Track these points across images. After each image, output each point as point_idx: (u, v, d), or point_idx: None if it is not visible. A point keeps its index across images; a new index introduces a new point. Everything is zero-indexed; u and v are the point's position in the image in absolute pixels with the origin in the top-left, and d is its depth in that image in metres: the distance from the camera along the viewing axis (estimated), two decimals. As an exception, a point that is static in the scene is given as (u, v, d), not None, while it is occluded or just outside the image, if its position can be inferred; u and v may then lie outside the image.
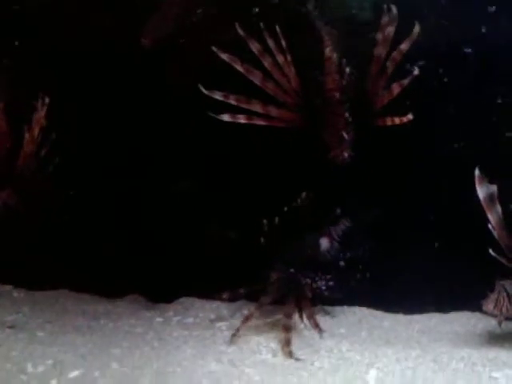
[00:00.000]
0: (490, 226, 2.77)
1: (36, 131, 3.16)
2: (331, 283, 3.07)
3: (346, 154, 2.99)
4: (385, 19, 2.97)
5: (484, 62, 3.20)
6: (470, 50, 3.20)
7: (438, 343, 2.95)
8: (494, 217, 2.79)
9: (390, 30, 2.96)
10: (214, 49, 2.98)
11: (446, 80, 3.22)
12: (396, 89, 2.93)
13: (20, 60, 3.33)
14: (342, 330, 3.09)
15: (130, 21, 3.20)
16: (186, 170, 3.40)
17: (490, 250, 2.71)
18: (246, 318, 2.90)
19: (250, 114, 3.02)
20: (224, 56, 2.99)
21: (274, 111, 3.03)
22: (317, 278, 3.09)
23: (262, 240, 3.06)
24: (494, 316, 2.85)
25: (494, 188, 2.80)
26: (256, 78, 3.01)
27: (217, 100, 3.02)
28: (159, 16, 3.20)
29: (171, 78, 3.29)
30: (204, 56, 3.15)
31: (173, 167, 3.38)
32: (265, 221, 3.05)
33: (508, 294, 2.79)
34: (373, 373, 2.60)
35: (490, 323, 2.96)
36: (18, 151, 3.22)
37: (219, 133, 3.19)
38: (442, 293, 3.34)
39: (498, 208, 2.80)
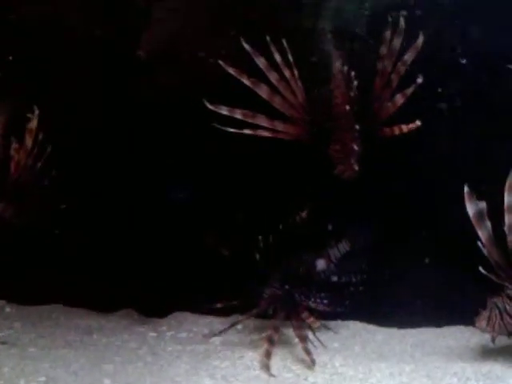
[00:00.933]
0: (479, 242, 2.78)
1: (29, 143, 3.16)
2: (325, 301, 3.07)
3: (353, 170, 2.97)
4: (388, 32, 2.96)
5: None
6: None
7: (431, 357, 2.95)
8: (483, 233, 2.81)
9: (396, 43, 2.94)
10: (220, 62, 2.96)
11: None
12: (400, 99, 2.92)
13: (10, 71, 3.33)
14: (336, 345, 3.08)
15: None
16: (181, 185, 3.40)
17: (480, 268, 2.72)
18: (233, 324, 2.92)
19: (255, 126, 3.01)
20: (230, 70, 2.98)
21: (279, 125, 3.02)
22: (311, 296, 3.09)
23: (258, 256, 3.06)
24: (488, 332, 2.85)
25: (483, 204, 2.81)
26: (263, 92, 3.00)
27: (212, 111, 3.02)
28: (154, 29, 3.22)
29: (164, 88, 3.29)
30: (199, 68, 3.18)
31: (167, 182, 3.38)
32: (260, 237, 3.06)
33: (500, 311, 2.79)
34: (366, 388, 2.60)
35: (484, 337, 2.95)
36: (11, 163, 3.21)
37: (217, 144, 3.21)
38: (436, 307, 3.35)
39: (488, 224, 2.81)
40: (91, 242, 3.45)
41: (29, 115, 3.15)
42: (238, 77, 2.97)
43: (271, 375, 2.69)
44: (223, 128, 2.93)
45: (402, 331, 3.33)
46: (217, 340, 3.07)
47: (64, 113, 3.29)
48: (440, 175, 3.28)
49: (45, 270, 3.39)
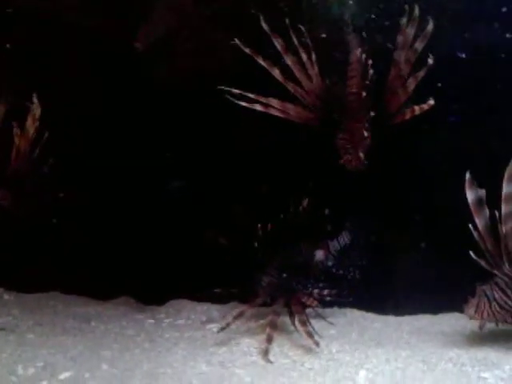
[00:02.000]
0: (470, 226, 2.79)
1: (31, 132, 3.15)
2: (323, 292, 3.07)
3: (360, 161, 2.97)
4: (404, 21, 2.95)
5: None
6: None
7: (427, 344, 2.96)
8: (480, 221, 2.82)
9: (410, 31, 2.93)
10: (237, 42, 2.95)
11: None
12: (412, 83, 2.90)
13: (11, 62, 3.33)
14: (333, 332, 3.10)
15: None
16: (179, 174, 3.41)
17: (471, 253, 2.74)
18: (238, 315, 2.91)
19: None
20: (247, 50, 2.96)
21: (290, 108, 3.01)
22: (308, 286, 3.09)
23: (256, 244, 3.06)
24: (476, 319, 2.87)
25: (482, 192, 2.82)
26: (277, 75, 2.99)
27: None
28: (151, 22, 3.23)
29: (161, 80, 3.29)
30: (194, 59, 3.18)
31: (165, 170, 3.39)
32: (259, 225, 3.06)
33: (488, 299, 2.81)
34: (362, 373, 2.60)
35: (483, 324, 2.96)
36: (11, 152, 3.21)
37: (216, 132, 3.21)
38: (432, 294, 3.37)
39: (486, 212, 2.82)
40: (90, 231, 3.46)
41: (31, 103, 3.15)
42: (254, 57, 2.96)
43: (268, 361, 2.70)
44: (236, 102, 2.92)
45: (399, 318, 3.36)
46: (214, 327, 3.09)
47: (63, 105, 3.29)
48: (440, 168, 3.29)
49: (43, 258, 3.41)
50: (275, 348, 2.84)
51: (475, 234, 2.78)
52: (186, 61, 3.27)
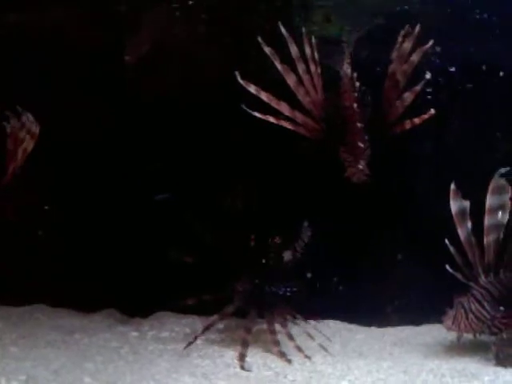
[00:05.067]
0: (446, 240, 2.83)
1: (30, 146, 3.15)
2: (294, 290, 3.09)
3: (361, 173, 3.01)
4: (401, 36, 3.02)
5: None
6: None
7: (409, 355, 3.00)
8: (463, 231, 2.86)
9: (406, 46, 3.00)
10: (259, 40, 2.99)
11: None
12: (409, 97, 2.97)
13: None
14: (315, 344, 3.11)
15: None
16: (161, 186, 3.43)
17: (447, 266, 2.78)
18: (207, 326, 2.94)
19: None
20: (267, 50, 3.00)
21: (299, 117, 3.05)
22: (281, 287, 3.11)
23: (229, 252, 3.09)
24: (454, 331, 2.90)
25: (466, 204, 2.86)
26: (291, 80, 3.03)
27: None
28: (140, 36, 3.26)
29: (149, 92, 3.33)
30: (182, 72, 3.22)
31: (147, 183, 3.41)
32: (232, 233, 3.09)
33: (465, 311, 2.84)
34: (344, 385, 2.63)
35: (464, 337, 3.00)
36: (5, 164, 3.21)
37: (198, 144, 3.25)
38: (415, 306, 3.40)
39: (469, 224, 2.86)
40: (75, 244, 3.47)
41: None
42: (272, 58, 3.00)
43: (248, 370, 2.72)
44: (250, 112, 2.96)
45: (382, 330, 3.39)
46: (198, 340, 3.10)
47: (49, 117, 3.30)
48: (424, 173, 3.34)
49: (27, 269, 3.40)
50: (258, 360, 2.87)
51: (451, 248, 2.82)
52: (174, 74, 3.30)
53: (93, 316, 3.42)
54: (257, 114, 2.98)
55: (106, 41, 3.29)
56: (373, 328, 3.42)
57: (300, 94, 3.05)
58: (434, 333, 3.28)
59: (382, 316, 3.43)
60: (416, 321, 3.41)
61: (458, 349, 2.99)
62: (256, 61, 3.18)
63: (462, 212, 2.86)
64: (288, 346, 2.94)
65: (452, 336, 3.02)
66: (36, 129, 3.14)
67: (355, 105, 2.98)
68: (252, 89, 3.00)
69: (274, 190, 3.29)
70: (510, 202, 2.86)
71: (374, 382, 2.65)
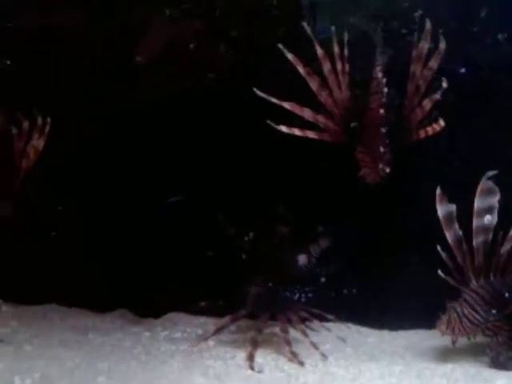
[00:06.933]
0: (438, 246, 2.84)
1: (40, 147, 3.18)
2: (309, 295, 3.09)
3: (380, 174, 3.01)
4: (417, 35, 3.00)
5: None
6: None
7: (421, 359, 2.99)
8: (451, 235, 2.87)
9: (424, 45, 3.00)
10: (280, 46, 2.99)
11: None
12: (428, 104, 2.96)
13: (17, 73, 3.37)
14: (328, 346, 3.11)
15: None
16: (174, 188, 3.44)
17: (439, 271, 2.79)
18: (219, 328, 2.95)
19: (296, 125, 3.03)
20: (289, 56, 3.01)
21: (322, 120, 3.05)
22: (295, 291, 3.12)
23: (243, 255, 3.09)
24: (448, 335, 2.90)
25: (453, 207, 2.88)
26: (313, 83, 3.03)
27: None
28: (151, 36, 3.28)
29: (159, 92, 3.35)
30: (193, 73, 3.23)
31: (159, 185, 3.43)
32: (246, 238, 3.09)
33: (458, 315, 2.85)
34: (356, 388, 2.63)
35: (476, 340, 2.99)
36: (15, 164, 3.24)
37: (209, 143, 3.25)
38: (427, 309, 3.38)
39: (456, 227, 2.87)
40: (87, 244, 3.49)
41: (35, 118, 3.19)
42: (294, 63, 3.00)
43: (259, 372, 2.73)
44: (275, 127, 2.96)
45: (394, 333, 3.38)
46: (210, 340, 3.11)
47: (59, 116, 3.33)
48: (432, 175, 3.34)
49: (41, 269, 3.43)
50: (270, 362, 2.87)
51: (443, 254, 2.83)
52: (185, 74, 3.32)
53: (105, 316, 3.44)
54: (283, 129, 2.97)
55: (117, 42, 3.30)
56: (384, 331, 3.42)
57: (322, 97, 3.05)
58: (447, 337, 3.25)
59: (394, 319, 3.42)
60: (428, 324, 3.39)
61: (471, 353, 2.97)
62: (269, 63, 3.20)
63: (448, 216, 2.87)
64: (303, 343, 2.94)
65: (465, 340, 3.01)
66: (46, 127, 3.16)
67: (381, 110, 2.97)
68: (274, 100, 2.99)
69: (291, 192, 3.29)
70: (497, 205, 2.87)
71: (386, 386, 2.65)
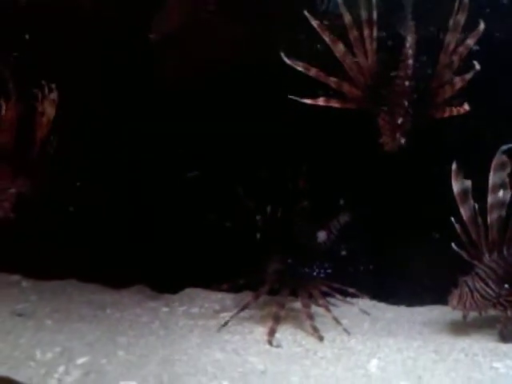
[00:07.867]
0: (453, 219, 2.82)
1: (51, 118, 3.17)
2: (328, 271, 3.09)
3: (396, 143, 3.00)
4: (455, 7, 2.95)
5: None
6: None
7: (439, 334, 2.99)
8: (465, 211, 2.86)
9: (461, 17, 2.94)
10: (306, 14, 2.97)
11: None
12: (459, 83, 2.93)
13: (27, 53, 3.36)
14: (345, 321, 3.11)
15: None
16: (188, 162, 3.44)
17: (453, 245, 2.77)
18: (243, 307, 2.95)
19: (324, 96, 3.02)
20: (314, 23, 2.98)
21: (346, 87, 3.03)
22: (314, 268, 3.12)
23: (261, 231, 3.09)
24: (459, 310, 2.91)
25: (468, 183, 2.86)
26: (338, 50, 3.01)
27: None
28: (166, 12, 3.25)
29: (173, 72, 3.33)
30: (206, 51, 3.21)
31: (175, 160, 3.42)
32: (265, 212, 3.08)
33: (470, 290, 2.85)
34: (374, 362, 2.64)
35: (492, 315, 2.98)
36: (28, 139, 3.24)
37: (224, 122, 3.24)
38: (445, 284, 3.37)
39: (471, 203, 2.86)
40: (106, 220, 3.50)
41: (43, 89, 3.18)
42: (319, 31, 2.98)
43: (278, 346, 2.74)
44: (299, 100, 2.94)
45: (411, 309, 3.38)
46: (228, 315, 3.12)
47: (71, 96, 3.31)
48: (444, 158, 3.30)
49: (59, 245, 3.45)
50: (288, 336, 2.89)
51: (457, 227, 2.81)
52: (198, 52, 3.29)
53: (123, 292, 3.47)
54: (307, 101, 2.96)
55: (131, 18, 3.27)
56: (402, 307, 3.42)
57: (347, 64, 3.02)
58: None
59: (411, 295, 3.41)
60: (445, 300, 3.38)
61: (489, 328, 2.97)
62: (286, 37, 3.17)
63: (464, 192, 2.86)
64: (322, 317, 2.95)
65: (481, 316, 3.00)
66: (55, 95, 3.15)
67: (407, 82, 2.94)
68: (300, 67, 2.98)
69: (311, 167, 3.28)
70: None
71: (404, 361, 2.66)
